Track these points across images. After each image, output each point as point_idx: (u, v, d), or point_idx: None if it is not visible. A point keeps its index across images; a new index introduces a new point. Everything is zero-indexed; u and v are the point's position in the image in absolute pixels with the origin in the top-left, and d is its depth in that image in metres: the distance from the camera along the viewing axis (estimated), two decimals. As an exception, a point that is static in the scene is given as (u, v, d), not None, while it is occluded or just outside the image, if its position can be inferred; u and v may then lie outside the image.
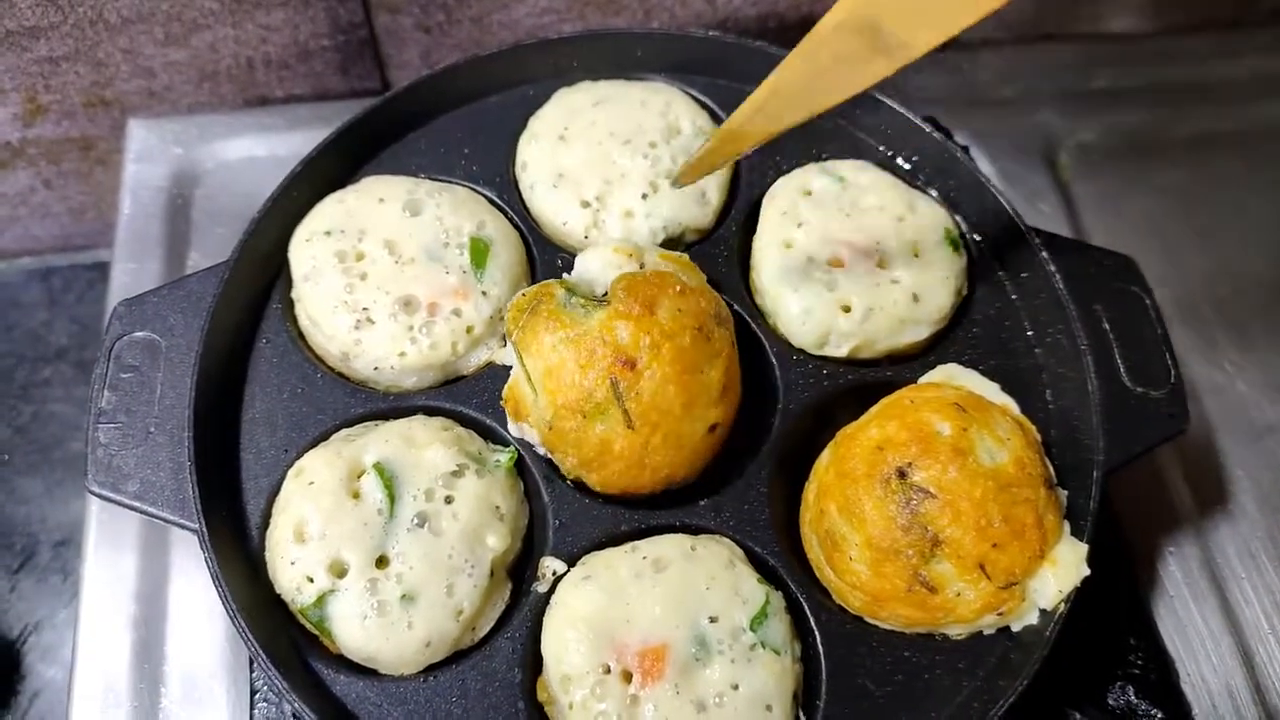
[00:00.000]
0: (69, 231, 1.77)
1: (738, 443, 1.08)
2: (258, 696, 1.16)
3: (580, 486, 1.07)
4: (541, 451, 1.07)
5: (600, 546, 1.04)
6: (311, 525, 1.00)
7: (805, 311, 1.12)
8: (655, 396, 0.99)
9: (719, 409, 1.03)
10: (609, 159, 1.21)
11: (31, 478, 1.55)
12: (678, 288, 1.04)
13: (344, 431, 1.08)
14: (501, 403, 1.07)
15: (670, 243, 1.19)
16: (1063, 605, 0.99)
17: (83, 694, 1.17)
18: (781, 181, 1.22)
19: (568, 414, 1.00)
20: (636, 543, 1.03)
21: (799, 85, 0.87)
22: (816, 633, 1.02)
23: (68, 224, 1.76)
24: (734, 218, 1.22)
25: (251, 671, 1.17)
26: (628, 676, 0.95)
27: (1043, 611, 1.00)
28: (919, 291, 1.14)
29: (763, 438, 1.10)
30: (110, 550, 1.24)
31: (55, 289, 1.72)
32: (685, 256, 1.10)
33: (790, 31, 1.66)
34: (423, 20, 1.54)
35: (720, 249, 1.20)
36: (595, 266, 1.08)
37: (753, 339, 1.15)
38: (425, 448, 1.04)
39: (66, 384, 1.62)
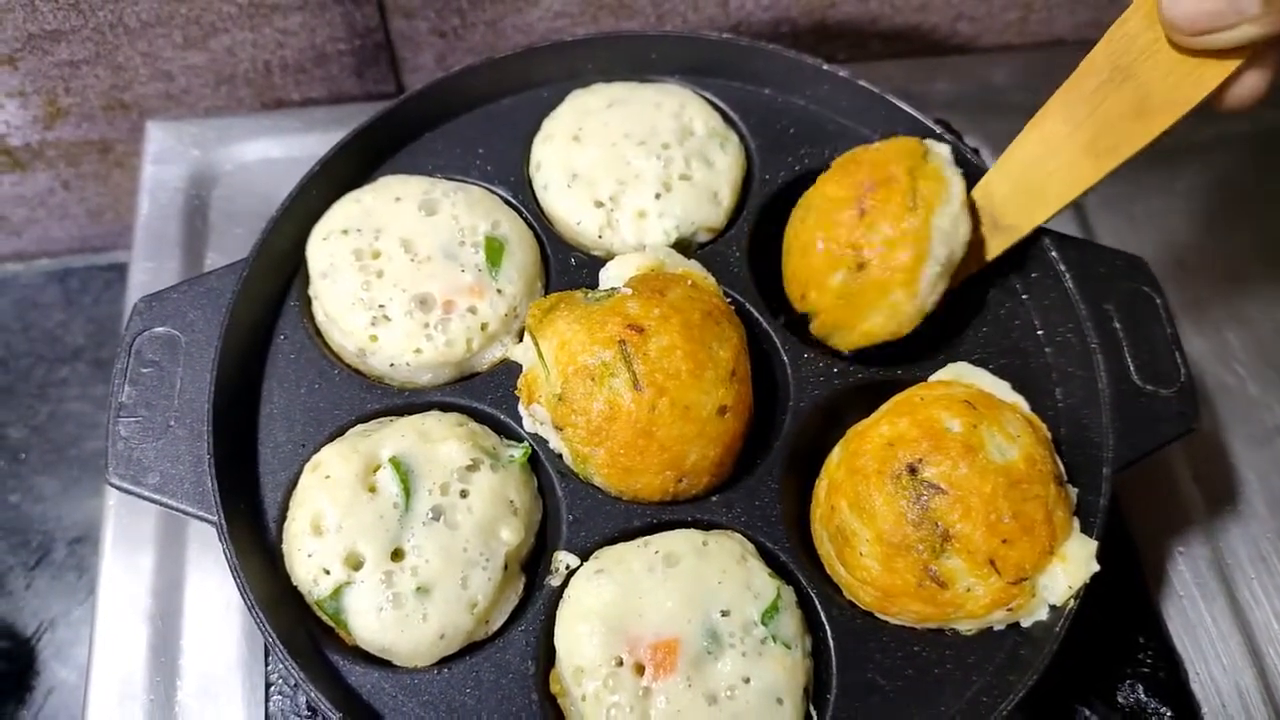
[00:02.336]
0: (87, 233, 1.79)
1: (749, 440, 1.09)
2: (272, 689, 1.17)
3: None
4: (554, 445, 1.08)
5: (613, 541, 1.05)
6: (328, 518, 1.01)
7: None
8: (662, 358, 1.01)
9: (728, 390, 1.04)
10: (622, 160, 1.22)
11: (48, 476, 1.56)
12: (689, 283, 1.07)
13: (360, 426, 1.09)
14: (515, 391, 1.09)
15: (683, 242, 1.20)
16: (1072, 601, 0.99)
17: (99, 687, 1.18)
18: None
19: (577, 380, 1.02)
20: (649, 537, 1.04)
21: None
22: (827, 627, 1.02)
23: (85, 225, 1.78)
24: (746, 217, 1.23)
25: (266, 665, 1.18)
26: (640, 669, 0.96)
27: (1052, 607, 1.00)
28: None
29: (774, 435, 1.11)
30: (127, 545, 1.26)
31: (72, 290, 1.74)
32: (706, 273, 1.13)
33: (802, 35, 1.67)
34: (438, 25, 1.56)
35: (733, 248, 1.21)
36: (616, 278, 1.11)
37: (765, 338, 1.16)
38: (440, 443, 1.05)
39: (83, 383, 1.64)
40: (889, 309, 1.10)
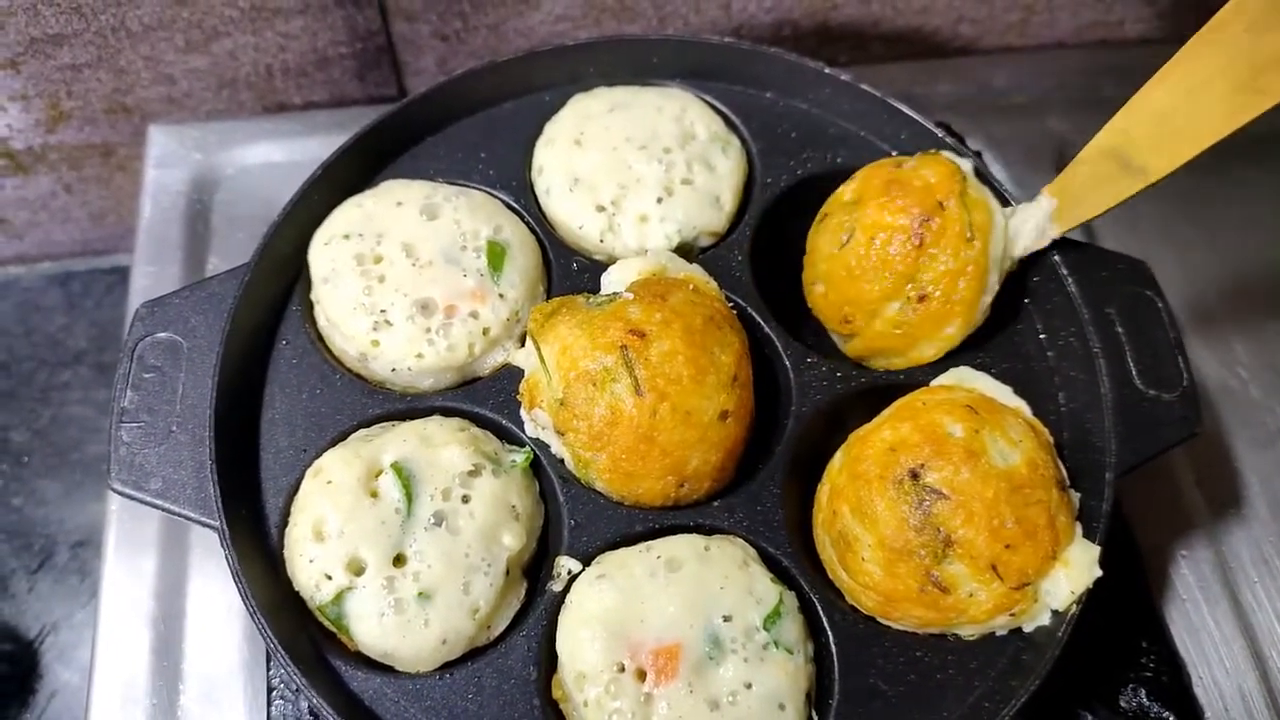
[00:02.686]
0: (89, 236, 1.79)
1: (751, 444, 1.09)
2: (274, 694, 1.17)
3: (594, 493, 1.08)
4: (556, 449, 1.08)
5: (615, 546, 1.05)
6: (330, 524, 1.01)
7: None
8: (663, 363, 1.01)
9: (730, 395, 1.04)
10: (624, 164, 1.22)
11: (50, 480, 1.56)
12: (691, 287, 1.07)
13: (362, 431, 1.09)
14: (517, 396, 1.09)
15: (685, 247, 1.20)
16: (1074, 606, 0.99)
17: (102, 691, 1.18)
18: None
19: (579, 385, 1.02)
20: (651, 542, 1.04)
21: (1072, 193, 1.10)
22: (829, 632, 1.02)
23: (88, 229, 1.78)
24: (748, 222, 1.23)
25: (268, 669, 1.19)
26: (642, 675, 0.96)
27: (1055, 612, 1.00)
28: None
29: (776, 440, 1.11)
30: (130, 549, 1.26)
31: (74, 293, 1.74)
32: (708, 277, 1.13)
33: (804, 38, 1.67)
34: (440, 28, 1.56)
35: (735, 253, 1.21)
36: (618, 282, 1.11)
37: (766, 342, 1.16)
38: (442, 448, 1.05)
39: (85, 387, 1.64)
40: (943, 339, 1.11)
